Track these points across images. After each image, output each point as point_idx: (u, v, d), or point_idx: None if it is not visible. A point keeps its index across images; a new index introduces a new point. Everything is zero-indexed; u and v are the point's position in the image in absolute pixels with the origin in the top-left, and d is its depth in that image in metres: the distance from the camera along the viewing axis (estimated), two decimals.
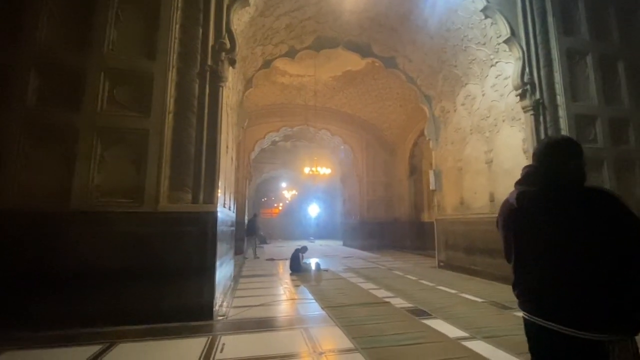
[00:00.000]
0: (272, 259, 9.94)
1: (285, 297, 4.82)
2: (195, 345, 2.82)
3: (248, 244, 12.12)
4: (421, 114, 12.24)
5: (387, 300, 4.45)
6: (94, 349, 2.74)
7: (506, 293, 4.76)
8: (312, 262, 7.97)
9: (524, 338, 1.17)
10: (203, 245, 3.69)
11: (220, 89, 4.08)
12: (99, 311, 3.34)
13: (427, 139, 12.25)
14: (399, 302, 4.36)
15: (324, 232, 22.96)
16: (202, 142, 3.88)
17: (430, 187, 7.78)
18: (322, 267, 7.47)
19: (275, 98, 12.74)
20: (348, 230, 15.12)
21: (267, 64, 7.37)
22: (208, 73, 4.02)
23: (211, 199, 3.83)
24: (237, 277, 6.52)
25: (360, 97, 12.80)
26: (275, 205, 27.09)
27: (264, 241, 17.21)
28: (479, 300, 4.42)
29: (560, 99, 5.18)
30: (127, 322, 3.32)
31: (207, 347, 2.77)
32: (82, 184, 3.48)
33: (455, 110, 7.10)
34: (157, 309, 3.46)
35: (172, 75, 3.89)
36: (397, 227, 13.13)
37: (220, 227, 4.12)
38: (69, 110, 3.58)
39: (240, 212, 11.96)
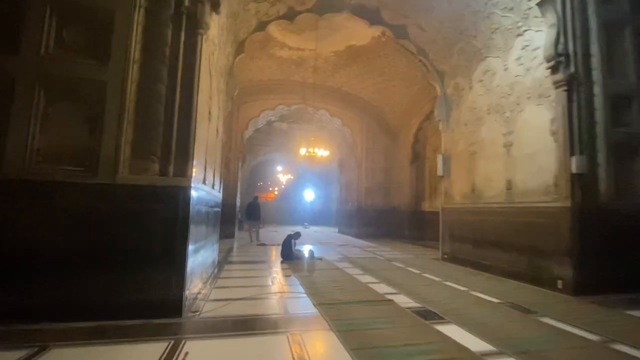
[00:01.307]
0: (263, 244, 9.35)
1: (273, 290, 4.20)
2: (148, 353, 2.19)
3: (249, 228, 11.54)
4: (427, 97, 11.50)
5: (389, 297, 3.85)
6: (17, 355, 2.11)
7: (523, 292, 4.20)
8: (306, 249, 7.40)
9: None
10: (172, 227, 3.02)
11: (200, 37, 3.33)
12: (41, 304, 2.70)
13: (435, 120, 11.55)
14: (403, 300, 3.77)
15: (319, 218, 22.45)
16: (174, 101, 3.15)
17: (438, 173, 7.14)
18: (315, 255, 6.90)
19: (272, 73, 11.87)
20: (344, 217, 14.56)
21: (261, 26, 6.54)
22: (184, 16, 3.26)
23: (184, 171, 3.13)
24: (222, 263, 5.91)
25: (363, 76, 11.98)
26: (271, 189, 26.45)
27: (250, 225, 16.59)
28: (495, 300, 3.84)
29: (596, 75, 4.49)
30: (75, 318, 2.69)
31: (163, 357, 2.14)
32: (17, 146, 2.76)
33: (470, 88, 6.37)
34: (112, 303, 2.82)
35: (138, 17, 3.12)
36: (396, 215, 12.57)
37: (196, 207, 3.45)
38: (3, 51, 2.82)
39: (230, 193, 11.30)
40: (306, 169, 22.92)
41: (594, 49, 4.52)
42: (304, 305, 3.56)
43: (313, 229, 17.98)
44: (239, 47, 6.36)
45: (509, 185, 5.30)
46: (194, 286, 3.60)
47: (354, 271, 5.51)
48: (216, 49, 4.50)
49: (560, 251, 4.28)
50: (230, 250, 7.85)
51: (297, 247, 6.73)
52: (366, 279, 4.92)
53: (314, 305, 3.47)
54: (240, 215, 15.48)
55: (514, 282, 4.80)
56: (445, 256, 6.77)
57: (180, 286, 3.02)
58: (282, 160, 23.51)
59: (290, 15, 6.63)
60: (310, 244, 9.74)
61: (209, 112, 4.18)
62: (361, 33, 10.30)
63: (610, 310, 3.49)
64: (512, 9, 5.08)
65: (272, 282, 4.65)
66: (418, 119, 11.88)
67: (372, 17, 6.94)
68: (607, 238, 4.22)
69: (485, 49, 5.89)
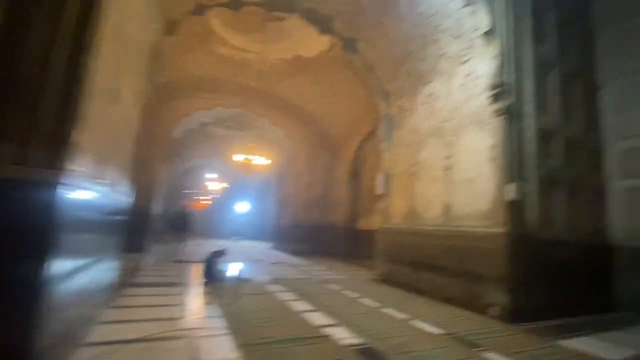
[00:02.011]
0: (182, 261, 8.07)
1: (185, 325, 3.31)
2: None
3: (174, 241, 10.04)
4: (369, 117, 11.71)
5: (327, 331, 3.30)
6: None
7: (462, 321, 4.04)
8: (233, 268, 6.50)
9: None
10: (22, 240, 2.04)
11: None
12: None
13: (375, 141, 11.81)
14: (342, 335, 3.25)
15: (252, 232, 21.20)
16: (49, 59, 2.23)
17: (378, 192, 6.99)
18: (244, 276, 6.05)
19: (212, 70, 10.86)
20: (279, 232, 13.80)
21: (201, 9, 5.75)
22: None
23: (55, 161, 2.19)
24: (123, 286, 4.70)
25: (309, 89, 11.73)
26: (201, 198, 24.31)
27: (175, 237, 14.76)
28: (437, 331, 3.57)
29: (528, 109, 4.77)
30: None
31: None
32: None
33: (414, 110, 6.43)
34: None
35: None
36: (332, 232, 12.30)
37: (76, 212, 2.49)
38: None
39: (148, 198, 9.75)
40: (242, 178, 21.64)
41: (528, 84, 4.82)
42: (222, 347, 2.78)
43: (245, 243, 16.76)
44: (170, 27, 5.44)
45: (448, 209, 5.30)
46: (68, 325, 2.57)
47: (287, 296, 4.85)
48: (134, 17, 3.60)
49: (496, 277, 4.28)
50: (138, 267, 6.50)
51: (222, 267, 5.81)
52: (301, 306, 4.31)
53: (236, 347, 2.73)
54: (160, 225, 13.60)
55: (451, 308, 4.67)
56: (382, 277, 6.54)
57: (32, 331, 2.03)
58: (216, 168, 21.85)
59: (235, 5, 5.98)
60: (240, 262, 8.76)
61: (114, 92, 3.23)
62: (310, 44, 10.09)
63: (546, 341, 3.46)
64: (458, 36, 5.23)
65: (185, 313, 3.73)
66: (359, 137, 11.98)
67: (323, 24, 6.66)
68: (535, 265, 4.36)
69: (430, 73, 6.00)
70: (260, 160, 9.53)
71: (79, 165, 2.43)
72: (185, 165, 20.60)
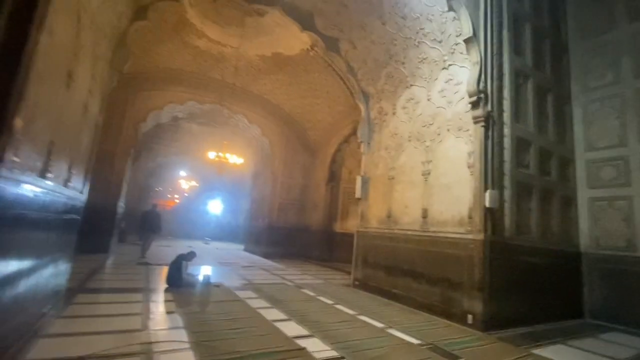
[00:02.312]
0: (146, 263, 7.53)
1: (141, 338, 2.96)
2: None
3: (141, 242, 9.37)
4: (348, 119, 11.66)
5: (301, 343, 3.09)
6: None
7: (438, 330, 3.96)
8: (201, 272, 6.11)
9: None
10: None
11: None
12: None
13: (353, 144, 11.76)
14: (317, 347, 3.05)
15: (224, 233, 20.51)
16: None
17: (356, 195, 6.87)
18: (213, 280, 5.68)
19: (186, 63, 10.36)
20: (252, 234, 13.39)
21: None
22: None
23: None
24: (74, 292, 4.22)
25: (288, 88, 11.49)
26: (170, 196, 23.24)
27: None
28: (415, 341, 3.46)
29: (506, 117, 4.84)
30: None
31: None
32: None
33: (394, 114, 6.38)
34: None
35: None
36: (308, 235, 12.08)
37: (19, 209, 2.14)
38: None
39: (110, 195, 9.08)
40: (214, 177, 20.91)
41: (506, 92, 4.89)
42: None
43: (216, 245, 16.13)
44: (140, 12, 5.03)
45: (425, 214, 5.27)
46: (2, 338, 2.18)
47: (259, 303, 4.58)
48: None
49: (472, 285, 4.26)
50: (95, 271, 5.94)
51: (189, 271, 5.43)
52: (273, 314, 4.06)
53: None
54: (124, 224, 12.77)
55: (427, 316, 4.61)
56: (357, 282, 6.42)
57: None
58: (187, 165, 20.96)
59: None
60: (208, 265, 8.33)
61: (69, 75, 2.85)
62: (290, 42, 9.86)
63: (521, 350, 3.45)
64: (440, 41, 5.23)
65: (143, 324, 3.36)
66: (337, 140, 11.89)
67: (304, 21, 6.47)
68: (511, 273, 4.40)
69: (411, 77, 5.98)
70: (235, 159, 9.14)
71: (20, 156, 2.07)
72: (154, 162, 19.60)
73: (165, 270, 6.54)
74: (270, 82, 11.41)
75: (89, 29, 3.20)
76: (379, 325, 3.98)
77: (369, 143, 6.95)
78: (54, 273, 3.46)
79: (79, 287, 4.56)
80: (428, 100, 5.63)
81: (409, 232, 5.47)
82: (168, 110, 10.82)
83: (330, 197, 12.07)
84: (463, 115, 4.92)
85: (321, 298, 5.27)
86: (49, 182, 2.75)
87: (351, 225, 11.84)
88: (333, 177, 12.15)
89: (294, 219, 12.27)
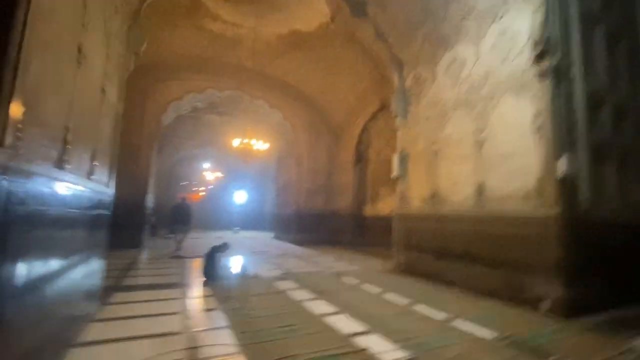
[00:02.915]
0: (179, 257, 7.41)
1: (183, 344, 2.65)
2: None
3: (172, 235, 9.49)
4: (374, 95, 10.94)
5: (360, 342, 2.68)
6: None
7: (511, 319, 3.45)
8: (235, 263, 5.85)
9: None
10: None
11: None
12: None
13: (380, 121, 11.11)
14: (380, 346, 2.63)
15: (252, 222, 20.57)
16: None
17: (394, 174, 6.32)
18: (249, 271, 5.40)
19: (202, 50, 9.96)
20: (281, 221, 13.18)
21: None
22: None
23: None
24: (110, 291, 4.03)
25: (307, 67, 10.88)
26: (196, 189, 23.51)
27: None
28: (488, 335, 2.97)
29: (575, 70, 4.08)
30: None
31: None
32: None
33: (434, 80, 5.70)
34: None
35: None
36: (337, 220, 11.70)
37: (35, 206, 1.82)
38: None
39: (138, 190, 9.02)
40: (238, 167, 20.86)
41: (574, 41, 4.12)
42: None
43: (245, 234, 16.14)
44: None
45: (480, 190, 4.66)
46: (32, 348, 1.91)
47: (302, 295, 4.23)
48: None
49: (546, 266, 3.68)
50: (129, 267, 5.83)
51: (224, 263, 5.16)
52: (320, 307, 3.69)
53: None
54: (155, 219, 12.90)
55: (489, 303, 4.09)
56: (401, 268, 5.95)
57: None
58: (211, 157, 21.00)
59: None
60: (241, 255, 8.14)
61: (79, 49, 2.47)
62: (308, 17, 9.21)
63: (619, 342, 2.89)
64: None
65: (184, 325, 3.07)
66: (363, 118, 11.24)
67: None
68: (591, 251, 3.77)
69: (454, 35, 5.25)
70: (260, 145, 8.77)
71: (26, 141, 1.72)
72: (179, 155, 19.74)
73: (199, 263, 6.37)
74: (288, 62, 10.85)
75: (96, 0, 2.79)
76: (441, 316, 3.51)
77: (405, 116, 6.32)
78: (86, 272, 3.22)
79: (115, 285, 4.38)
80: (476, 60, 4.91)
81: (461, 212, 4.90)
82: (188, 100, 10.55)
83: (358, 180, 11.54)
84: (524, 72, 4.20)
85: (365, 286, 4.85)
86: (68, 174, 2.42)
87: (382, 208, 11.32)
88: (360, 159, 11.58)
89: (322, 204, 11.89)
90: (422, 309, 3.77)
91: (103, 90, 3.29)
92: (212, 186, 21.68)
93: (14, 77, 1.55)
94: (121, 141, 8.43)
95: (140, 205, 9.04)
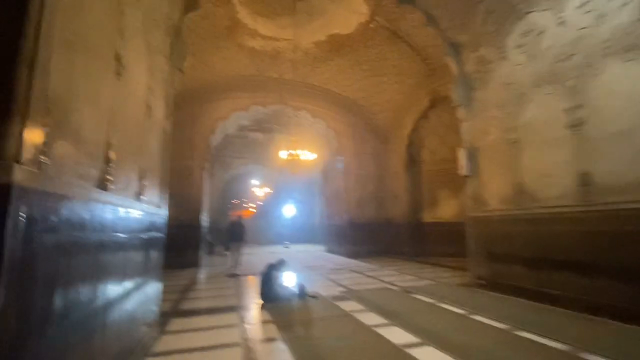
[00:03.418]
0: (234, 275, 7.24)
1: None
2: None
3: (227, 252, 9.54)
4: (423, 91, 10.11)
5: None
6: None
7: None
8: (289, 279, 5.43)
9: None
10: None
11: None
12: None
13: (432, 120, 10.24)
14: None
15: (301, 235, 20.40)
16: None
17: (462, 172, 5.51)
18: (308, 291, 4.93)
19: (243, 68, 10.09)
20: (332, 233, 12.69)
21: None
22: None
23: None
24: (167, 317, 3.83)
25: (348, 71, 10.49)
26: (247, 206, 24.15)
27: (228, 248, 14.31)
28: None
29: None
30: None
31: None
32: None
33: (504, 58, 4.88)
34: None
35: None
36: (392, 229, 10.88)
37: (72, 234, 1.54)
38: None
39: (192, 210, 9.18)
40: (285, 181, 20.99)
41: None
42: None
43: (296, 248, 15.92)
44: (191, 1, 4.52)
45: (585, 181, 3.72)
46: None
47: (372, 318, 3.64)
48: None
49: None
50: (187, 288, 5.71)
51: (281, 282, 4.77)
52: (397, 335, 3.06)
53: None
54: (210, 237, 13.21)
55: (616, 325, 3.13)
56: (482, 281, 5.06)
57: None
58: (259, 174, 21.44)
59: None
60: (295, 271, 7.75)
61: (117, 59, 2.26)
62: (346, 18, 8.87)
63: None
64: None
65: (243, 358, 2.66)
66: (413, 118, 10.45)
67: None
68: None
69: (524, 3, 4.44)
70: (307, 155, 8.46)
71: (69, 160, 1.46)
72: (229, 174, 20.44)
73: (254, 281, 6.08)
74: (328, 69, 10.56)
75: (133, 7, 2.63)
76: (563, 347, 2.68)
77: (469, 105, 5.53)
78: (142, 299, 3.00)
79: (172, 310, 4.19)
80: (560, 24, 4.05)
81: (560, 209, 3.97)
82: (234, 119, 10.72)
83: (412, 184, 10.68)
84: (634, 28, 3.28)
85: (445, 306, 4.10)
86: (112, 195, 2.18)
87: (443, 213, 10.29)
88: (413, 162, 10.74)
89: (374, 214, 11.19)
90: (530, 337, 2.95)
91: (149, 106, 3.14)
92: (261, 202, 22.07)
93: (30, 76, 1.27)
94: (174, 164, 8.62)
95: (195, 225, 9.19)
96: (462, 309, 3.90)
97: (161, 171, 3.87)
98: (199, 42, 8.90)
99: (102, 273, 2.05)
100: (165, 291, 5.25)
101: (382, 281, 6.04)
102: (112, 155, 2.19)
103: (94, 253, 1.93)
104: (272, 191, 20.96)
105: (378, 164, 11.45)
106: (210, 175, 15.63)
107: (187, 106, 9.76)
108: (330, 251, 12.57)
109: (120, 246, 2.37)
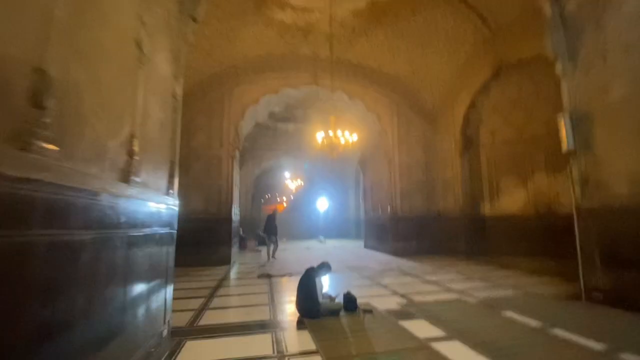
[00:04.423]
0: (267, 275, 6.34)
1: None
2: None
3: (266, 248, 9.46)
4: (484, 59, 8.39)
5: None
6: None
7: None
8: (338, 288, 4.37)
9: None
10: None
11: None
12: None
13: (493, 93, 8.64)
14: None
15: (334, 229, 19.36)
16: None
17: (565, 147, 4.09)
18: (358, 301, 3.83)
19: (273, 46, 9.14)
20: (372, 228, 11.49)
21: None
22: None
23: None
24: (180, 335, 2.94)
25: (391, 44, 9.16)
26: (279, 199, 23.58)
27: (263, 242, 13.65)
28: None
29: None
30: None
31: None
32: None
33: None
34: None
35: None
36: (444, 224, 9.48)
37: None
38: None
39: (223, 202, 8.47)
40: (318, 173, 20.03)
41: None
42: None
43: (331, 243, 14.90)
44: None
45: None
46: None
47: (460, 351, 2.48)
48: None
49: None
50: (212, 293, 4.86)
51: (326, 292, 3.73)
52: None
53: None
54: (242, 232, 12.59)
55: None
56: (598, 294, 3.67)
57: None
58: (290, 166, 20.71)
59: None
60: (335, 271, 6.71)
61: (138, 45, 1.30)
62: None
63: None
64: None
65: None
66: (469, 93, 8.90)
67: None
68: None
69: None
70: (348, 136, 7.32)
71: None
72: (261, 167, 19.89)
73: (289, 285, 5.12)
74: (368, 42, 9.31)
75: None
76: None
77: (574, 56, 4.07)
78: (143, 312, 2.10)
79: (189, 325, 3.30)
80: None
81: None
82: (264, 104, 9.83)
83: (468, 171, 9.17)
84: None
85: (566, 334, 2.82)
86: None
87: (508, 204, 8.70)
88: (469, 144, 9.20)
89: (422, 206, 9.83)
90: None
91: (139, 46, 2.18)
92: (293, 195, 21.32)
93: None
94: (202, 153, 7.79)
95: (226, 219, 8.46)
96: (596, 343, 2.61)
97: (170, 149, 2.96)
98: (226, 18, 8.06)
99: (68, 281, 1.12)
100: (186, 296, 4.43)
101: (449, 289, 4.80)
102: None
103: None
104: (304, 184, 20.12)
105: (426, 149, 10.04)
106: (243, 168, 15.07)
107: (214, 91, 9.01)
108: (369, 247, 11.40)
109: (102, 244, 1.44)
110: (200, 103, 8.85)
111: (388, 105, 10.04)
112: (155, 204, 2.45)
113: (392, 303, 4.04)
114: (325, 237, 16.72)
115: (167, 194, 2.82)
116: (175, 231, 2.94)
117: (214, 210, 8.36)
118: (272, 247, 9.56)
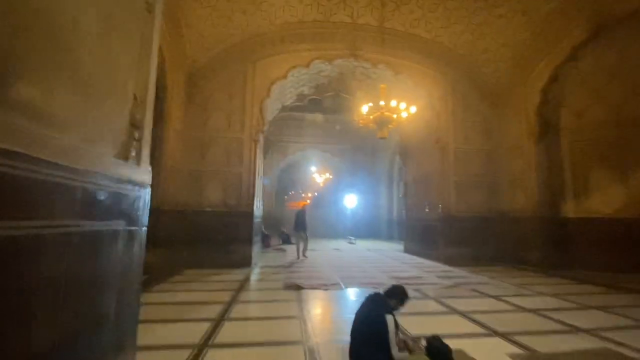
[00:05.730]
0: (296, 287, 4.93)
1: None
2: None
3: (297, 245, 8.73)
4: (574, 20, 6.40)
5: None
6: None
7: None
8: (396, 322, 2.84)
9: None
10: None
11: None
12: None
13: (588, 59, 6.68)
14: None
15: (363, 228, 17.72)
16: None
17: None
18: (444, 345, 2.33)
19: (305, 11, 7.74)
20: (414, 229, 9.82)
21: None
22: None
23: None
24: None
25: (446, 6, 7.49)
26: (304, 195, 22.28)
27: (287, 240, 12.39)
28: None
29: None
30: None
31: None
32: None
33: None
34: None
35: None
36: (511, 226, 7.69)
37: None
38: None
39: (244, 195, 7.24)
40: (346, 167, 18.51)
41: None
42: None
43: (363, 245, 13.33)
44: None
45: None
46: None
47: None
48: None
49: None
50: (223, 314, 3.53)
51: (401, 333, 2.27)
52: None
53: None
54: (265, 228, 11.35)
55: None
56: None
57: None
58: (317, 160, 19.36)
59: None
60: (376, 286, 5.20)
61: None
62: None
63: None
64: None
65: None
66: (551, 63, 7.03)
67: None
68: None
69: None
70: (404, 107, 5.72)
71: None
72: (284, 162, 18.70)
73: (325, 300, 3.68)
74: (417, 6, 7.67)
75: None
76: None
77: None
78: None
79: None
80: None
81: None
82: (292, 82, 8.47)
83: (547, 162, 7.31)
84: None
85: None
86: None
87: (600, 204, 6.80)
88: (547, 129, 7.34)
89: (482, 204, 8.07)
90: None
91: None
92: (320, 190, 19.93)
93: None
94: (220, 136, 6.40)
95: (246, 213, 7.20)
96: None
97: (135, 73, 1.60)
98: None
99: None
100: (181, 318, 3.10)
101: (572, 327, 3.16)
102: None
103: None
104: (332, 177, 18.66)
105: (488, 135, 8.26)
106: (267, 158, 13.90)
107: (235, 63, 7.74)
108: (411, 252, 9.73)
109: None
110: (219, 78, 7.62)
111: (441, 82, 8.35)
112: (106, 181, 1.11)
113: (498, 353, 2.50)
114: (357, 238, 15.17)
115: (132, 167, 1.47)
116: (143, 228, 1.60)
117: (233, 203, 7.13)
118: (301, 245, 8.57)
